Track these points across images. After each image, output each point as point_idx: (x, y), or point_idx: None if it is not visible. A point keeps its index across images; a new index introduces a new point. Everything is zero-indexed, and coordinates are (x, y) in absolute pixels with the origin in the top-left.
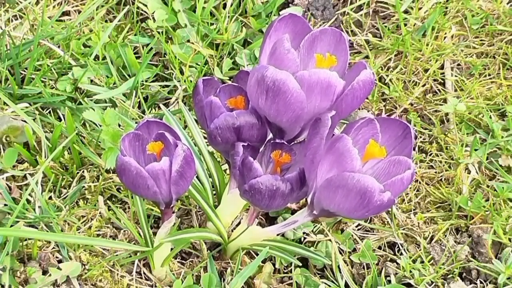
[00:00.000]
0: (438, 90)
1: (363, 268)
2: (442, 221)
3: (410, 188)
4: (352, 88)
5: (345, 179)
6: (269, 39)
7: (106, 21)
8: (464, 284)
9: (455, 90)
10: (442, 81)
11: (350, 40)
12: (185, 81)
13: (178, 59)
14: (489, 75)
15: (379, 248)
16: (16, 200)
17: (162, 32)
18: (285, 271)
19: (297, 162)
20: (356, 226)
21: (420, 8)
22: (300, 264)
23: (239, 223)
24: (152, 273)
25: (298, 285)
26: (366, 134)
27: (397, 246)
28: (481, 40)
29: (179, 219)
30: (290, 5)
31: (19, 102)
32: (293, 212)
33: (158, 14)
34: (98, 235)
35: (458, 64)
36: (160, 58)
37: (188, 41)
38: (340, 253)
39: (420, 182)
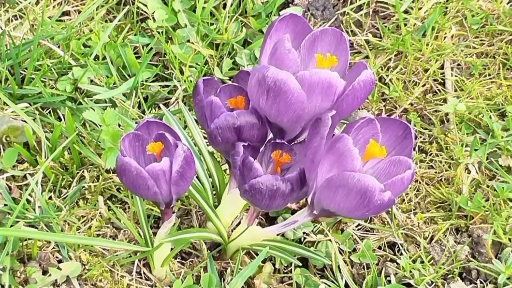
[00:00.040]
0: (438, 90)
1: (363, 268)
2: (442, 221)
3: (410, 188)
4: (353, 88)
5: (345, 179)
6: (270, 39)
7: (106, 21)
8: (464, 284)
9: (455, 90)
10: (442, 81)
11: (350, 40)
12: (185, 81)
13: (178, 59)
14: (489, 75)
15: (379, 248)
16: (16, 200)
17: (162, 32)
18: (285, 271)
19: (298, 162)
20: (356, 226)
21: (420, 8)
22: (300, 264)
23: (239, 223)
24: (152, 273)
25: (298, 285)
26: (366, 134)
27: (397, 246)
28: (481, 40)
29: (179, 219)
30: (290, 5)
31: (19, 102)
32: (293, 212)
33: (158, 14)
34: (98, 235)
35: (458, 64)
36: (160, 58)
37: (188, 41)
38: (340, 253)
39: (420, 182)
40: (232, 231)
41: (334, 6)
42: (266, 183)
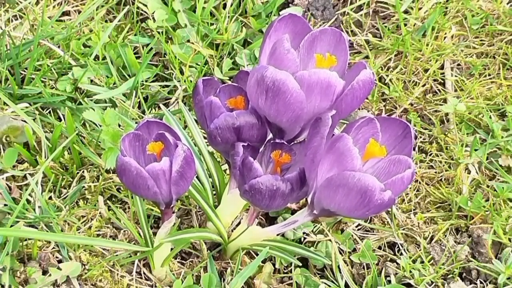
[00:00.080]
0: (438, 90)
1: (363, 268)
2: (442, 221)
3: (410, 188)
4: (352, 88)
5: (345, 178)
6: (269, 39)
7: (106, 21)
8: (464, 284)
9: (455, 90)
10: (442, 81)
11: (350, 40)
12: (185, 81)
13: (178, 59)
14: (489, 75)
15: (379, 248)
16: (16, 200)
17: (162, 32)
18: (285, 271)
19: (297, 162)
20: (356, 226)
21: (420, 8)
22: (300, 264)
23: (239, 223)
24: (152, 273)
25: (298, 285)
26: (366, 134)
27: (397, 246)
28: (481, 40)
29: (179, 219)
30: (290, 5)
31: (19, 102)
32: (293, 212)
33: (158, 14)
34: (98, 235)
35: (458, 64)
36: (160, 58)
37: (188, 41)
38: (340, 253)
39: (420, 182)
40: (232, 231)
41: (334, 6)
42: (266, 183)
